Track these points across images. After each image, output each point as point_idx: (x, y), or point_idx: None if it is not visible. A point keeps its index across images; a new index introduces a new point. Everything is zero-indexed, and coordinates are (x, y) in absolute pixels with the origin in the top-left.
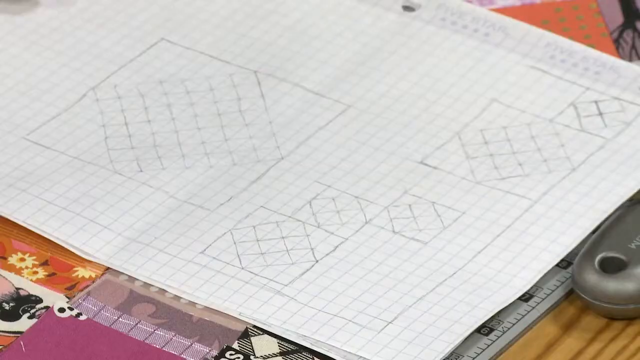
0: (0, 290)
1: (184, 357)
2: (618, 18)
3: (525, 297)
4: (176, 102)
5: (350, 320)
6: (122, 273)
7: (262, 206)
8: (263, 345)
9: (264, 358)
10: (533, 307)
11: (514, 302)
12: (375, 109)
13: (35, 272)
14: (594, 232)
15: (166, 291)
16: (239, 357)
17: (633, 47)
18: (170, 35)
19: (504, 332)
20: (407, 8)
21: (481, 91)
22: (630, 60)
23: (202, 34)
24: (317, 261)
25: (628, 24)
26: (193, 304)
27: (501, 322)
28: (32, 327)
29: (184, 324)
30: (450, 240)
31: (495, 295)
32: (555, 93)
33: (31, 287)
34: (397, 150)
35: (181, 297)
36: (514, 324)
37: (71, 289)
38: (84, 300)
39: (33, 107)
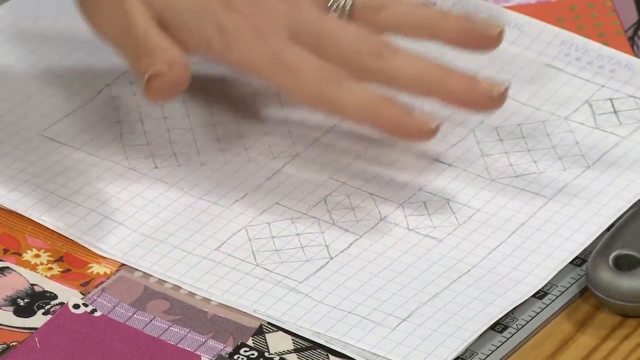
0: (15, 286)
1: (199, 353)
2: (633, 16)
3: (540, 295)
4: (191, 99)
5: (364, 318)
6: (137, 269)
7: (277, 203)
8: (277, 341)
9: (278, 355)
10: (547, 305)
11: (528, 299)
12: None
13: (50, 269)
14: (608, 229)
15: (181, 288)
16: (253, 354)
17: None
18: None
19: (518, 330)
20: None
21: None
22: None
23: None
24: (331, 258)
25: None
26: (208, 300)
27: (515, 320)
28: (46, 324)
29: (198, 320)
30: (464, 238)
31: (510, 292)
32: (570, 91)
33: (46, 283)
34: (412, 147)
35: (196, 294)
36: (528, 321)
37: (86, 285)
38: (98, 296)
39: (49, 103)
